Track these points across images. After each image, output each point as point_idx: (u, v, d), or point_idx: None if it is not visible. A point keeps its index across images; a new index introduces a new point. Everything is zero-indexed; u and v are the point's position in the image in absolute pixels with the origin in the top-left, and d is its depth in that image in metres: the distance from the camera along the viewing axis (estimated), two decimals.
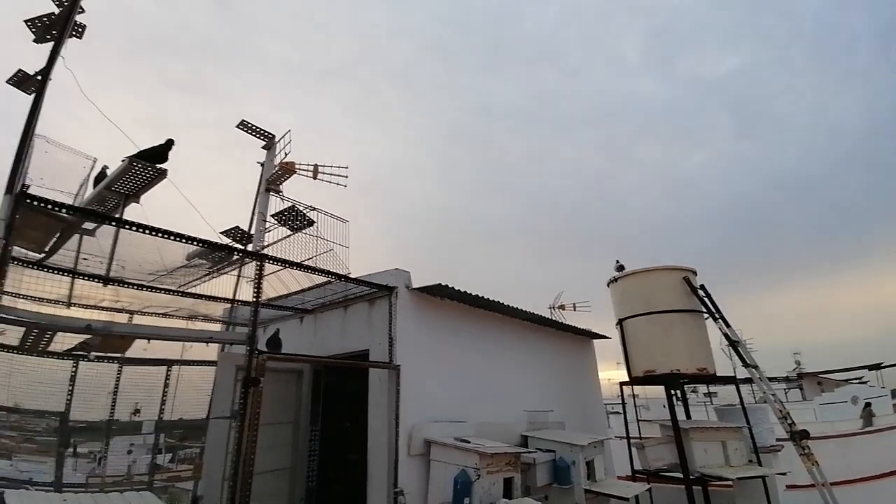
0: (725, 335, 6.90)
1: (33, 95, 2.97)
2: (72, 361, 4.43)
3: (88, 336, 4.28)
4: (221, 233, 4.79)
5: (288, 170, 6.42)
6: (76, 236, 3.74)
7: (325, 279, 4.75)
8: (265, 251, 4.41)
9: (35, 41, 3.93)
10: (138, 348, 4.73)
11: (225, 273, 4.49)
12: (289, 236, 4.62)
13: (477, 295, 5.64)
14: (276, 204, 4.90)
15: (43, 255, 3.50)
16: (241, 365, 4.61)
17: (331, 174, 6.81)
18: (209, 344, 5.98)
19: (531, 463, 5.37)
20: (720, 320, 7.04)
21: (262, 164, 5.91)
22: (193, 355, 6.38)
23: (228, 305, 5.82)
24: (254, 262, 3.76)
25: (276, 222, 4.65)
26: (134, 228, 3.15)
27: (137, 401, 5.04)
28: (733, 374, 7.35)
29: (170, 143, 4.03)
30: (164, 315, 5.25)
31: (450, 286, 5.19)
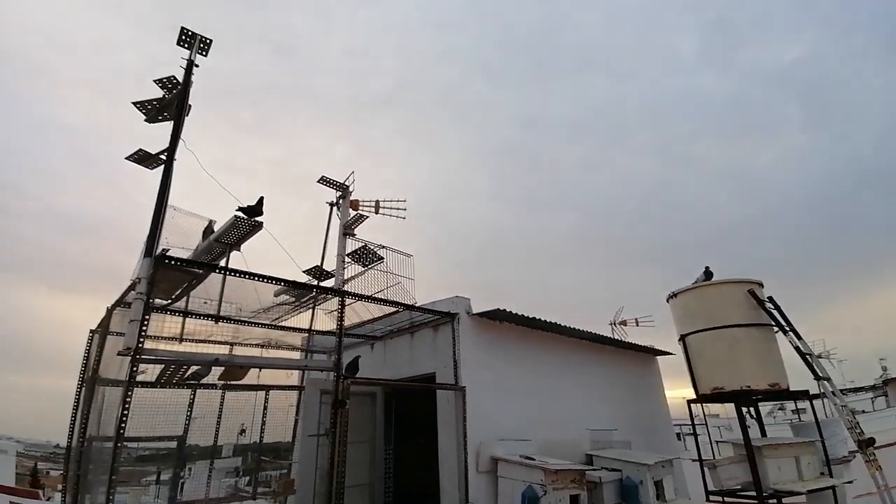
0: (797, 348, 6.67)
1: (162, 173, 3.72)
2: (190, 390, 5.20)
3: (197, 368, 5.03)
4: (304, 271, 5.46)
5: (353, 207, 7.13)
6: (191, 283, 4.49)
7: (393, 309, 5.25)
8: (344, 287, 5.01)
9: (147, 121, 4.78)
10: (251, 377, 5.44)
11: (309, 308, 5.11)
12: (362, 273, 5.20)
13: (534, 317, 5.93)
14: (349, 242, 5.54)
15: (168, 302, 4.26)
16: (325, 389, 5.19)
17: (390, 208, 7.44)
18: (289, 372, 6.67)
19: (597, 482, 5.49)
20: (790, 332, 6.82)
21: (336, 207, 6.62)
22: (273, 381, 7.08)
23: (306, 335, 6.49)
24: (336, 298, 4.33)
25: (351, 261, 5.25)
26: (242, 276, 3.81)
27: (243, 422, 5.72)
28: (807, 389, 7.04)
29: (261, 201, 4.73)
30: (258, 346, 5.98)
31: (508, 310, 5.54)
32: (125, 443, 3.09)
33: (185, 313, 4.85)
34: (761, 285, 7.43)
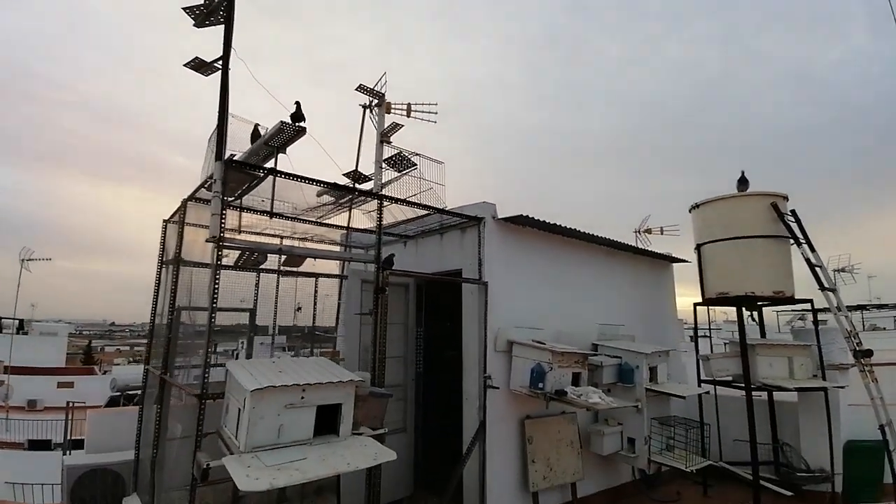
0: (807, 259, 6.99)
1: (221, 81, 4.10)
2: (255, 274, 6.10)
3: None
4: (343, 174, 5.97)
5: (386, 110, 7.37)
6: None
7: (425, 212, 5.79)
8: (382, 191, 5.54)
9: (195, 26, 5.02)
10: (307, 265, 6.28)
11: (352, 208, 5.71)
12: (398, 178, 5.68)
13: (555, 224, 6.40)
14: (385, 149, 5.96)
15: (232, 199, 4.90)
16: (365, 278, 5.98)
17: (422, 111, 7.64)
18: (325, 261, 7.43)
19: (599, 364, 6.35)
20: (804, 244, 7.09)
21: (369, 110, 6.89)
22: (320, 271, 8.01)
23: (344, 231, 7.18)
24: (375, 201, 4.87)
25: (387, 166, 5.71)
26: (294, 178, 4.35)
27: (299, 301, 6.71)
28: (811, 299, 7.47)
29: (298, 105, 5.05)
30: (304, 239, 6.75)
31: (530, 216, 6.01)
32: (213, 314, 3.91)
33: (243, 208, 5.52)
34: (786, 198, 7.53)
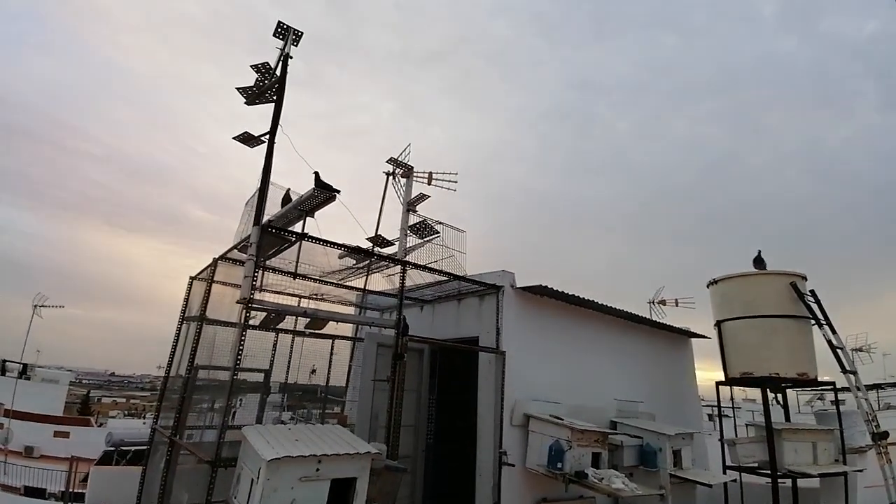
0: (829, 342, 6.86)
1: (265, 154, 4.39)
2: (273, 334, 6.13)
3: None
4: (367, 238, 6.16)
5: (405, 175, 7.71)
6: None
7: (445, 277, 5.88)
8: (405, 256, 5.68)
9: (246, 104, 5.45)
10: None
11: (372, 272, 5.82)
12: (421, 245, 5.84)
13: (573, 294, 6.42)
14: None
15: (263, 260, 5.05)
16: (382, 342, 5.96)
17: (442, 180, 7.99)
18: (339, 324, 7.46)
19: (619, 444, 6.08)
20: (825, 326, 6.99)
21: (393, 177, 7.22)
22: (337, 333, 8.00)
23: (359, 293, 7.25)
24: (398, 267, 4.98)
25: (410, 233, 5.89)
26: (322, 243, 4.50)
27: (314, 363, 6.66)
28: (834, 381, 7.26)
29: (317, 175, 5.28)
30: (322, 300, 6.82)
31: (548, 287, 6.05)
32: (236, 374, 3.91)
33: (268, 268, 5.66)
34: (804, 278, 7.52)
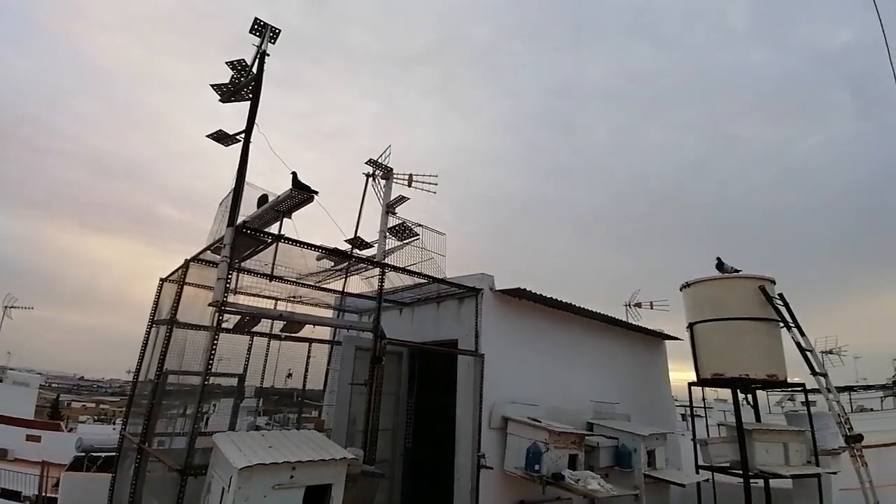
0: (797, 343, 7.08)
1: (240, 154, 4.28)
2: (248, 337, 5.98)
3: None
4: (346, 240, 6.08)
5: (385, 177, 7.66)
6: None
7: (424, 280, 5.85)
8: (383, 257, 5.62)
9: (221, 101, 5.32)
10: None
11: (350, 274, 5.75)
12: (400, 247, 5.79)
13: (551, 297, 6.47)
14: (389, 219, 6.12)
15: (237, 262, 4.92)
16: (360, 346, 5.89)
17: (423, 182, 7.96)
18: (316, 327, 7.36)
19: (595, 446, 6.15)
20: (794, 329, 7.21)
21: (373, 178, 7.16)
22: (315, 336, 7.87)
23: (337, 295, 7.16)
24: (377, 269, 4.93)
25: (390, 235, 5.83)
26: (299, 245, 4.42)
27: (290, 368, 6.53)
28: (803, 382, 7.49)
29: (294, 175, 5.19)
30: (299, 302, 6.70)
31: (528, 290, 6.08)
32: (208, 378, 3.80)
33: (243, 270, 5.53)
34: (773, 282, 7.75)
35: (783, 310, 7.37)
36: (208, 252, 4.83)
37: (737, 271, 7.76)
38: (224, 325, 4.09)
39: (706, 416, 11.00)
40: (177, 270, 5.41)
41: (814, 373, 6.80)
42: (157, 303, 5.94)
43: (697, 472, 7.55)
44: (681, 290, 8.47)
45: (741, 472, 6.72)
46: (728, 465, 7.23)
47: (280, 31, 4.73)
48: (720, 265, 7.88)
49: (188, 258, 5.11)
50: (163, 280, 5.93)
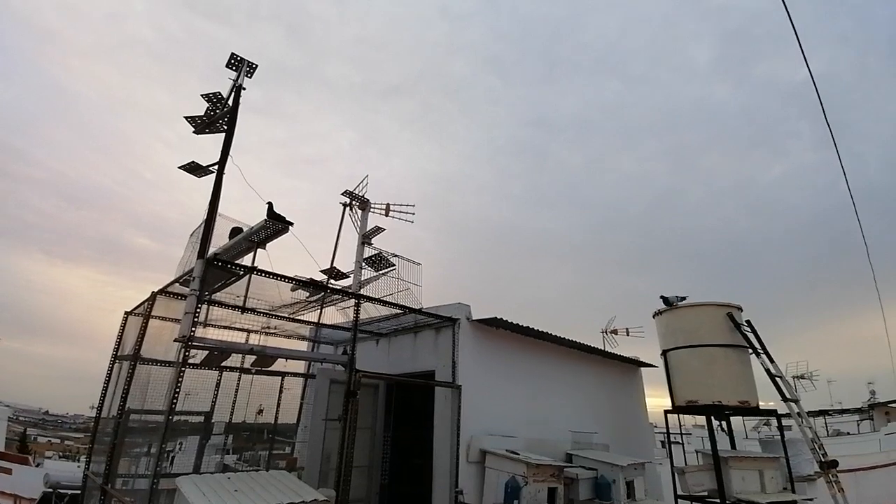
0: (767, 370, 7.23)
1: (213, 185, 4.24)
2: (217, 373, 5.77)
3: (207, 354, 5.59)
4: (321, 271, 6.01)
5: (361, 207, 7.67)
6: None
7: (400, 311, 5.81)
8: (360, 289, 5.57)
9: (195, 132, 5.29)
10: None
11: (326, 305, 5.66)
12: (376, 278, 5.76)
13: (529, 327, 6.49)
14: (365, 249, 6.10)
15: (207, 294, 4.80)
16: (335, 378, 5.75)
17: (400, 211, 7.99)
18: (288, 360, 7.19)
19: (574, 478, 6.07)
20: (763, 355, 7.38)
21: (350, 208, 7.16)
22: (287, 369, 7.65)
23: (312, 326, 7.03)
24: (352, 300, 4.87)
25: (366, 265, 5.81)
26: (274, 277, 4.35)
27: (261, 403, 6.29)
28: (776, 409, 7.61)
29: (270, 205, 5.14)
30: (273, 334, 6.54)
31: (505, 319, 6.09)
32: (163, 415, 3.64)
33: (212, 302, 5.39)
34: (740, 309, 7.98)
35: (751, 336, 7.56)
36: (177, 284, 4.70)
37: (683, 299, 7.97)
38: (191, 361, 3.94)
39: (683, 443, 11.05)
40: (143, 304, 5.24)
41: (784, 399, 6.93)
42: (121, 336, 5.70)
43: (676, 502, 7.51)
44: (654, 317, 8.62)
45: (719, 500, 6.71)
46: (706, 493, 7.21)
47: (257, 66, 4.79)
48: (665, 300, 8.09)
49: (155, 290, 4.96)
50: (127, 313, 5.72)
